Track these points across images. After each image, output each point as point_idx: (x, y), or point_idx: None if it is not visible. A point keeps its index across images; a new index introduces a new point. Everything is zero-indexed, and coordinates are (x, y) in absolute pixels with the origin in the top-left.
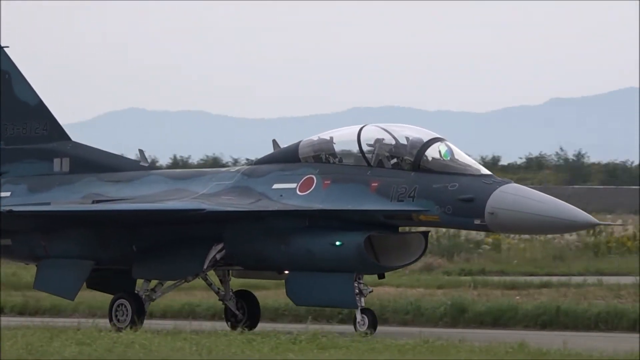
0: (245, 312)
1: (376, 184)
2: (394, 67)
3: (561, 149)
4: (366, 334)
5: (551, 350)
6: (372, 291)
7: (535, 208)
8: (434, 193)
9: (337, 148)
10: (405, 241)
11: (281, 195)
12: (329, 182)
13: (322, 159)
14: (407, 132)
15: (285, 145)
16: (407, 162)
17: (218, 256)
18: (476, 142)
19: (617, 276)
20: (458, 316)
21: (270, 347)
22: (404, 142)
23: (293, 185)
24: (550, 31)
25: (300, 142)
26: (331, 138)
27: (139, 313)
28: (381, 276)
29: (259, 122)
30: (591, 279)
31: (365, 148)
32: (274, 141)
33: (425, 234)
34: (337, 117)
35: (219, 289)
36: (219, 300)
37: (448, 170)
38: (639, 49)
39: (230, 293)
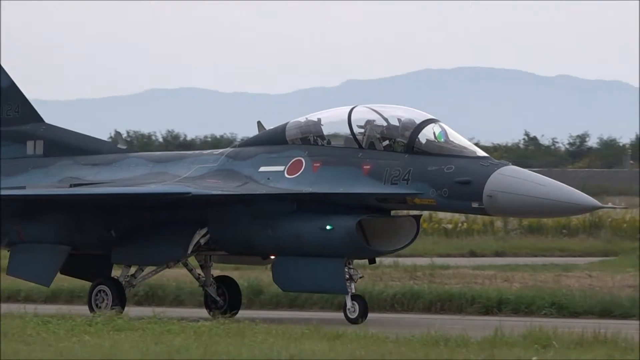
0: (226, 299)
1: (368, 167)
2: None
3: None
4: (357, 321)
5: (347, 332)
6: (362, 277)
7: (536, 191)
8: (429, 176)
9: (326, 130)
10: (396, 225)
11: (268, 179)
12: (318, 164)
13: (310, 141)
14: (398, 112)
15: (271, 127)
16: (400, 144)
17: (202, 241)
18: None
19: (412, 257)
20: (254, 297)
21: (66, 329)
22: (396, 123)
23: (281, 168)
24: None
25: (287, 123)
26: (319, 119)
27: (120, 299)
28: (372, 261)
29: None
30: (387, 261)
31: (355, 130)
32: (259, 123)
33: (417, 218)
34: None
35: (199, 274)
36: (200, 286)
37: (443, 152)
38: (639, 48)
39: (211, 279)
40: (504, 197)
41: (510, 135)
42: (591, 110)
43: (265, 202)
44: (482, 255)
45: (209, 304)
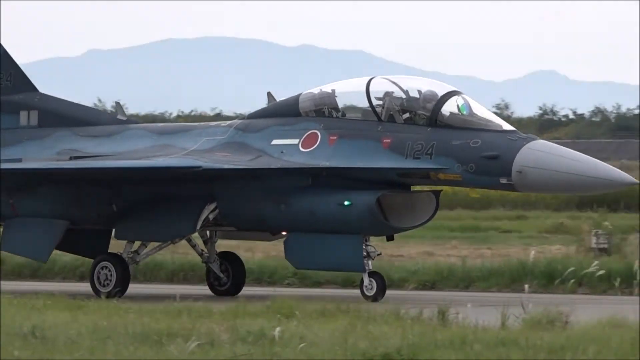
0: (229, 275)
1: (389, 141)
2: None
3: None
4: (375, 299)
5: (89, 303)
6: (380, 254)
7: (567, 166)
8: (454, 150)
9: (342, 102)
10: (415, 200)
11: (282, 152)
12: (335, 137)
13: (324, 113)
14: (418, 84)
15: (283, 98)
16: (422, 117)
17: (211, 216)
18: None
19: None
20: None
21: None
22: (416, 95)
23: (295, 141)
24: None
25: (299, 94)
26: (333, 91)
27: (124, 277)
28: (390, 238)
29: None
30: None
31: (374, 102)
32: (269, 94)
33: (437, 193)
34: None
35: (202, 250)
36: (203, 262)
37: (468, 125)
38: (639, 48)
39: (215, 255)
40: (534, 172)
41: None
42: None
43: (279, 176)
44: None
45: (211, 281)
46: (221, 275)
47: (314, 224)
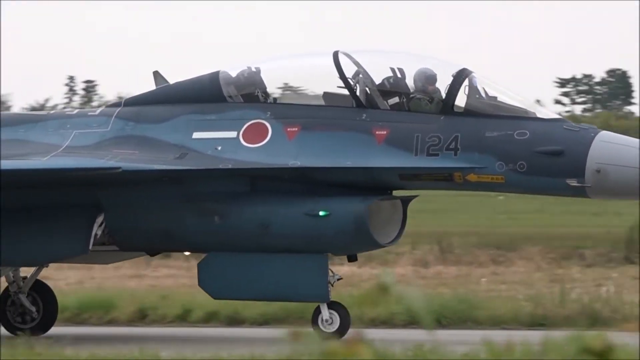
0: (39, 310)
1: (384, 132)
2: None
3: None
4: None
5: None
6: (341, 278)
7: None
8: (490, 144)
9: (293, 82)
10: (377, 209)
11: (218, 149)
12: (295, 129)
13: (262, 97)
14: (406, 60)
15: (185, 78)
16: (425, 102)
17: (98, 232)
18: None
19: None
20: None
21: None
22: (407, 74)
23: (232, 134)
24: None
25: (217, 73)
26: (261, 69)
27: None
28: (353, 258)
29: None
30: None
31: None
32: (157, 73)
33: (405, 200)
34: None
35: (13, 277)
36: (9, 292)
37: (500, 112)
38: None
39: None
40: (618, 172)
41: None
42: None
43: (217, 180)
44: None
45: (12, 317)
46: (32, 308)
47: (263, 239)
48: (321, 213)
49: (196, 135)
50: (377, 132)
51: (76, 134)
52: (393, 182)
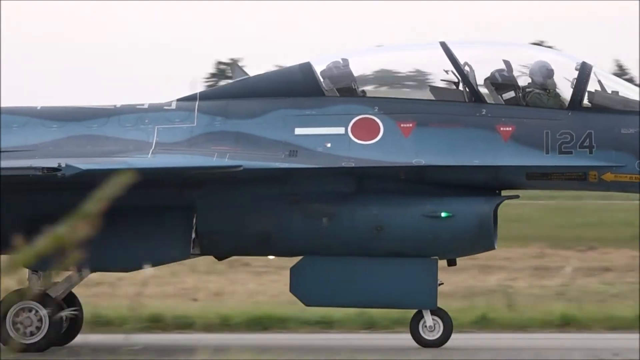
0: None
1: (510, 129)
2: None
3: None
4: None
5: None
6: (442, 283)
7: None
8: (627, 141)
9: (395, 76)
10: None
11: (328, 145)
12: (410, 125)
13: (359, 91)
14: (521, 52)
15: (275, 70)
16: (546, 96)
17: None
18: None
19: None
20: None
21: None
22: (524, 67)
23: (339, 131)
24: None
25: (308, 63)
26: (350, 62)
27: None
28: (452, 262)
29: None
30: None
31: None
32: (235, 64)
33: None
34: None
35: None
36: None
37: (629, 107)
38: (639, 48)
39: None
40: None
41: None
42: None
43: (321, 179)
44: None
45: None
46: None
47: (373, 242)
48: (443, 214)
49: (299, 131)
50: (501, 129)
51: (159, 129)
52: (518, 181)
